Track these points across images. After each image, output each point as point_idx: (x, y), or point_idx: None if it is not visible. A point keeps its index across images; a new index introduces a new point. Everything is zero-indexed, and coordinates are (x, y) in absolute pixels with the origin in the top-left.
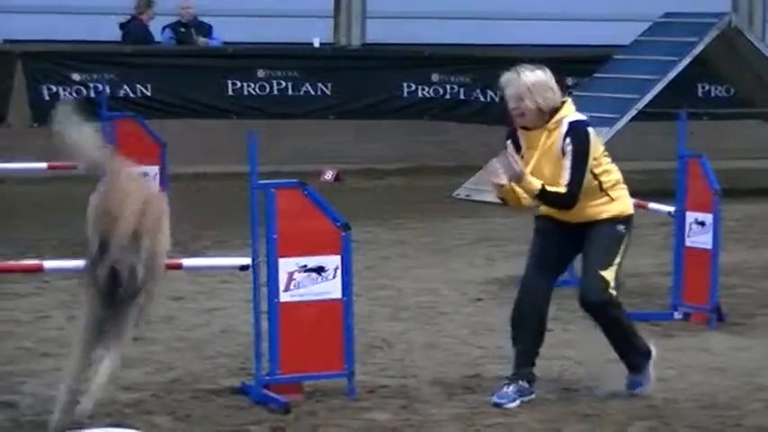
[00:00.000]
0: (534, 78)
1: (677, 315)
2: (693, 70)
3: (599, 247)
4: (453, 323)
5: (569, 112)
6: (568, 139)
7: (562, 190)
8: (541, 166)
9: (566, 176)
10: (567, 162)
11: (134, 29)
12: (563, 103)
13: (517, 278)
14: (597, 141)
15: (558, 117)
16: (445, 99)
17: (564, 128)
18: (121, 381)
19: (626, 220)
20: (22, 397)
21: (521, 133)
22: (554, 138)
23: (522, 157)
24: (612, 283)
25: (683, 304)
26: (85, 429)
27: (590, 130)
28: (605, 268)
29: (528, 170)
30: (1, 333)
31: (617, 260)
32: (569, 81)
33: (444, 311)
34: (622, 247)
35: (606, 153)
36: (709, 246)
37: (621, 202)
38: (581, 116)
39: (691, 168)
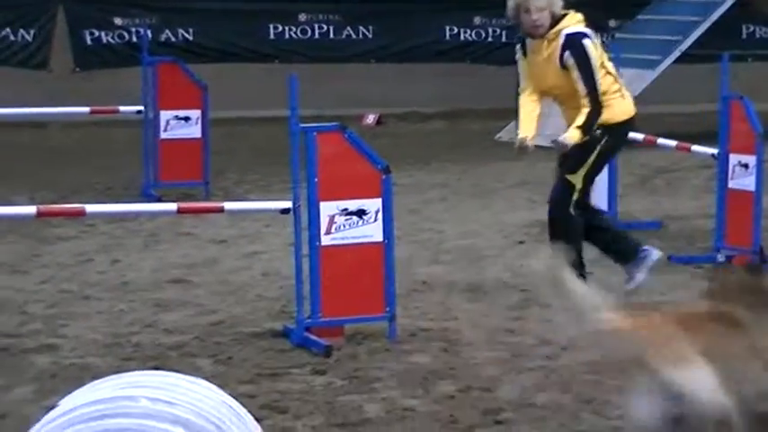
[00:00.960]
0: None
1: (720, 257)
2: (737, 11)
3: (571, 153)
4: (495, 266)
5: (568, 24)
6: (567, 53)
7: (587, 108)
8: (545, 72)
9: (581, 88)
10: (576, 74)
11: None
12: (564, 15)
13: None
14: (597, 49)
15: (557, 28)
16: (487, 42)
17: (561, 39)
18: (164, 324)
19: (607, 127)
20: (66, 340)
21: (528, 41)
22: (552, 48)
23: (527, 61)
24: (579, 185)
25: (725, 246)
26: (129, 372)
27: (586, 40)
28: (572, 172)
29: (533, 73)
30: (44, 276)
31: (588, 162)
32: (612, 23)
33: (486, 254)
34: (595, 153)
35: (606, 61)
36: (752, 188)
37: (607, 111)
38: (579, 28)
39: (733, 110)
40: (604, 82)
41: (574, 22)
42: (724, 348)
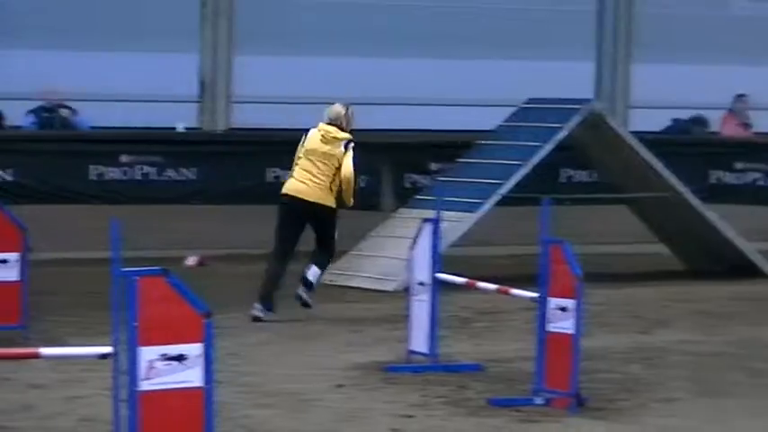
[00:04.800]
0: None
1: (538, 400)
2: (557, 156)
3: None
4: (317, 409)
5: None
6: None
7: None
8: None
9: None
10: None
11: None
12: None
13: (380, 363)
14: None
15: None
16: None
17: None
18: None
19: None
20: None
21: None
22: None
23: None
24: None
25: (544, 389)
26: None
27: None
28: None
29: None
30: None
31: None
32: (434, 166)
33: (308, 398)
34: None
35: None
36: (570, 331)
37: None
38: None
39: (554, 254)
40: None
41: None
42: None
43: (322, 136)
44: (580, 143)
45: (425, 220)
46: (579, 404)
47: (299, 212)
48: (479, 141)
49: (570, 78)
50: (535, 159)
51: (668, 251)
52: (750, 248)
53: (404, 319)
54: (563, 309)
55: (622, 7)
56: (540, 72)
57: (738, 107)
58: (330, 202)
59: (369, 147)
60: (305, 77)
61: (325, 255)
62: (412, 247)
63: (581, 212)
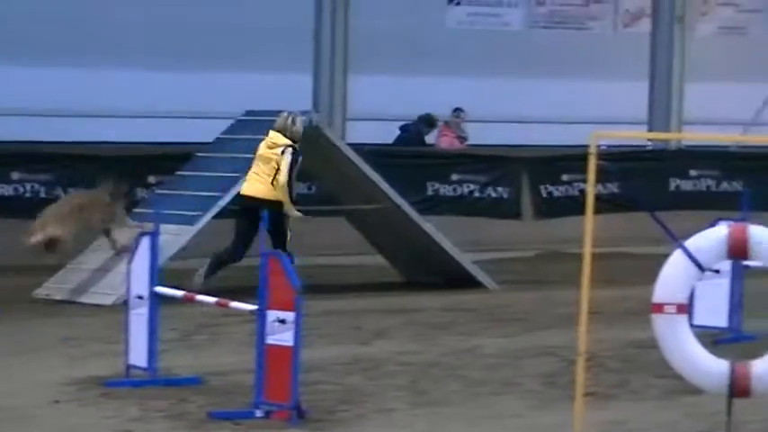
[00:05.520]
0: None
1: (258, 413)
2: None
3: None
4: (32, 426)
5: None
6: None
7: None
8: None
9: None
10: None
11: None
12: None
13: (99, 378)
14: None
15: None
16: (26, 197)
17: None
18: None
19: None
20: None
21: None
22: None
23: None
24: None
25: (264, 402)
26: None
27: None
28: None
29: None
30: None
31: None
32: (152, 178)
33: (22, 414)
34: None
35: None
36: (290, 343)
37: None
38: None
39: (272, 265)
40: None
41: None
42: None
43: (267, 142)
44: (301, 155)
45: (143, 234)
46: (299, 416)
47: (248, 208)
48: (197, 153)
49: (288, 91)
50: None
51: (387, 263)
52: (466, 259)
53: (123, 333)
54: (282, 321)
55: (339, 20)
56: (258, 84)
57: (454, 121)
58: (271, 195)
59: (84, 159)
60: (29, 89)
61: None
62: (130, 261)
63: (300, 224)
